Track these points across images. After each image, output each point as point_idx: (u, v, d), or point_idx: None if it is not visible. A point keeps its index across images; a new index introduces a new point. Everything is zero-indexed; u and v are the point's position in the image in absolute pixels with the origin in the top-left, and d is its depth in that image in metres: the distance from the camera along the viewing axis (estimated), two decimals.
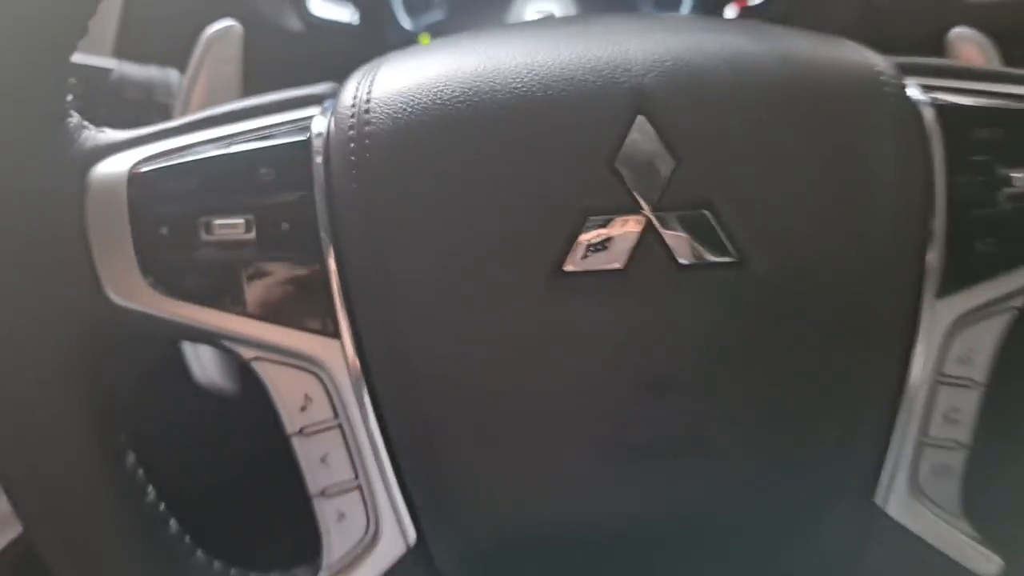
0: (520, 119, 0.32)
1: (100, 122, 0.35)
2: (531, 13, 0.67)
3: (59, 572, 0.34)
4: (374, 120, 0.32)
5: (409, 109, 0.32)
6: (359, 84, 0.33)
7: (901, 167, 0.33)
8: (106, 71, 0.46)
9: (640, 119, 0.31)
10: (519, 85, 0.32)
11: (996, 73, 0.36)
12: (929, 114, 0.33)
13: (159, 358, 0.47)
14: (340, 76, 0.36)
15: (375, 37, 0.66)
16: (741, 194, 0.31)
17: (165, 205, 0.32)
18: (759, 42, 0.34)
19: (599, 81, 0.32)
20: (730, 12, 0.67)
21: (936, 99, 0.34)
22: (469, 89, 0.32)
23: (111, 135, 0.34)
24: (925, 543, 0.34)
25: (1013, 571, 0.35)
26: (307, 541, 0.36)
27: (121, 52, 0.52)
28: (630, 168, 0.31)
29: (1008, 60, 0.55)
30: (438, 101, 0.32)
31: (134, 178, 0.32)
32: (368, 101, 0.32)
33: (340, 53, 0.42)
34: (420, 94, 0.32)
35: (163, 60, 0.49)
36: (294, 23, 0.65)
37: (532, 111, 0.31)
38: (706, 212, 0.31)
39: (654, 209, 0.31)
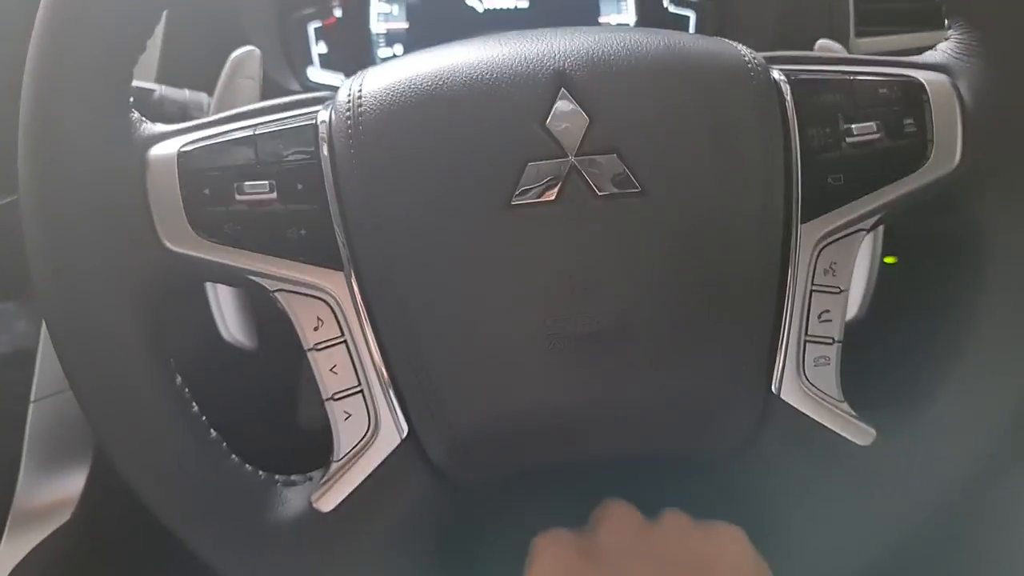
0: (474, 97, 0.37)
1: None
2: None
3: (120, 466, 0.38)
4: (365, 108, 0.37)
5: (391, 97, 0.37)
6: (352, 84, 0.39)
7: (764, 124, 0.38)
8: (150, 91, 0.52)
9: (563, 91, 0.37)
10: (472, 72, 0.37)
11: (836, 58, 0.42)
12: (785, 88, 0.39)
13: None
14: None
15: None
16: (640, 142, 0.37)
17: (207, 173, 0.37)
18: (654, 38, 0.39)
19: (531, 66, 0.37)
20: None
21: (791, 77, 0.39)
22: (435, 79, 0.37)
23: (162, 127, 0.38)
24: (812, 420, 0.39)
25: (884, 441, 0.40)
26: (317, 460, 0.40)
27: (161, 79, 0.57)
28: (556, 127, 0.36)
29: None
30: (412, 89, 0.37)
31: (182, 156, 0.37)
32: (360, 96, 0.38)
33: None
34: (399, 86, 0.38)
35: (194, 85, 0.55)
36: (294, 86, 0.71)
37: (482, 90, 0.37)
38: (614, 155, 0.36)
39: (576, 155, 0.36)
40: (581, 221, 0.37)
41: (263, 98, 0.48)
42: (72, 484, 0.57)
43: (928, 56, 0.41)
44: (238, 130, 0.38)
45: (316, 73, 0.73)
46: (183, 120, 0.39)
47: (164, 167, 0.37)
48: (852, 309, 0.48)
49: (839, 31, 0.69)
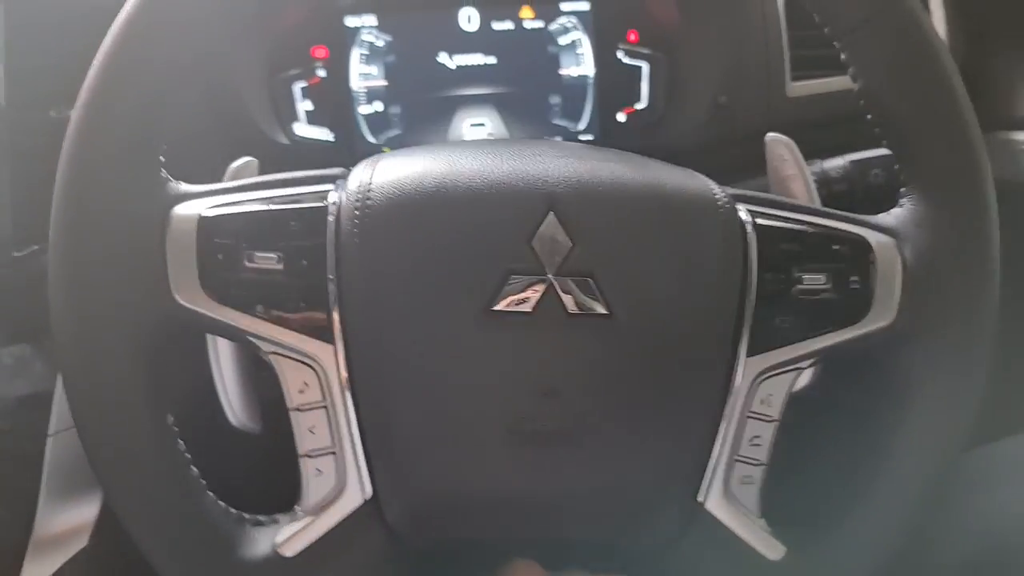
0: (472, 205, 0.39)
1: None
2: (467, 126, 0.77)
3: (108, 494, 0.39)
4: (373, 198, 0.39)
5: (398, 192, 0.40)
6: (363, 172, 0.41)
7: (727, 263, 0.41)
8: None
9: (551, 214, 0.39)
10: (472, 185, 0.40)
11: (798, 206, 0.44)
12: (750, 230, 0.41)
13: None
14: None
15: (346, 150, 0.77)
16: (614, 270, 0.39)
17: (222, 239, 0.39)
18: (636, 170, 0.42)
19: (526, 187, 0.40)
20: (621, 116, 0.78)
21: (755, 220, 0.41)
22: (439, 182, 0.40)
23: (187, 187, 0.40)
24: (731, 532, 0.41)
25: (793, 556, 0.42)
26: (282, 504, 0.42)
27: None
28: (541, 246, 0.39)
29: (819, 141, 0.70)
30: (418, 188, 0.40)
31: (202, 220, 0.39)
32: (370, 186, 0.40)
33: (319, 161, 0.47)
34: (406, 183, 0.40)
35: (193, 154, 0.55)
36: (283, 140, 0.76)
37: (480, 201, 0.39)
38: (589, 279, 0.39)
39: (555, 275, 0.39)
40: (552, 334, 0.39)
41: (261, 162, 0.52)
42: (88, 512, 0.61)
43: (880, 219, 0.43)
44: (255, 200, 0.40)
45: (302, 128, 0.77)
46: None
47: (185, 227, 0.39)
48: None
49: (777, 76, 0.76)
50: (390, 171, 0.41)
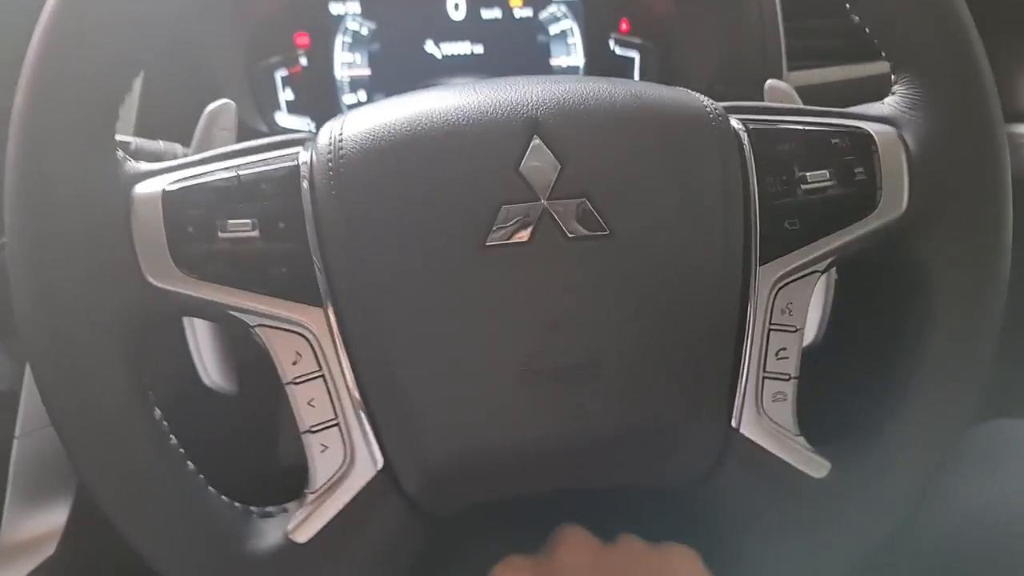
0: (451, 141, 0.38)
1: None
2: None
3: (98, 497, 0.37)
4: (346, 150, 0.38)
5: (371, 140, 0.38)
6: (332, 127, 0.39)
7: (725, 172, 0.39)
8: (126, 143, 0.52)
9: (535, 137, 0.38)
10: (449, 118, 0.38)
11: (790, 108, 0.43)
12: (744, 137, 0.40)
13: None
14: None
15: None
16: (607, 187, 0.38)
17: (190, 212, 0.37)
18: (622, 88, 0.40)
19: (506, 113, 0.38)
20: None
21: (749, 126, 0.40)
22: (413, 123, 0.38)
23: (147, 165, 0.38)
24: (771, 454, 0.40)
25: (837, 473, 0.41)
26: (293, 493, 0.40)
27: (139, 132, 0.58)
28: (530, 172, 0.37)
29: None
30: (391, 133, 0.38)
31: (167, 195, 0.37)
32: (341, 138, 0.38)
33: None
34: (379, 130, 0.38)
35: (172, 138, 0.55)
36: (263, 129, 0.73)
37: (459, 135, 0.38)
38: (584, 199, 0.37)
39: (548, 199, 0.37)
40: (553, 261, 0.38)
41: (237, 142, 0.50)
42: (56, 518, 0.58)
43: (876, 108, 0.42)
44: (221, 170, 0.38)
45: (284, 118, 0.75)
46: None
47: (149, 205, 0.37)
48: (807, 341, 0.51)
49: (773, 67, 0.74)
50: (360, 122, 0.39)
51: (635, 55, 0.78)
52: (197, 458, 0.40)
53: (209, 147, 0.53)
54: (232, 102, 0.50)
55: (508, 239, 0.37)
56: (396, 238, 0.37)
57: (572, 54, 0.78)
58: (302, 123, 0.76)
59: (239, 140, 0.49)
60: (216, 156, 0.39)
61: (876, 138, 0.41)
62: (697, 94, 0.42)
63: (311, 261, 0.37)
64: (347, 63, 0.76)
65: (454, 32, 0.75)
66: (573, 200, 0.38)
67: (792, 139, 0.40)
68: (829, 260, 0.41)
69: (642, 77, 0.77)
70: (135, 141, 0.54)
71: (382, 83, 0.76)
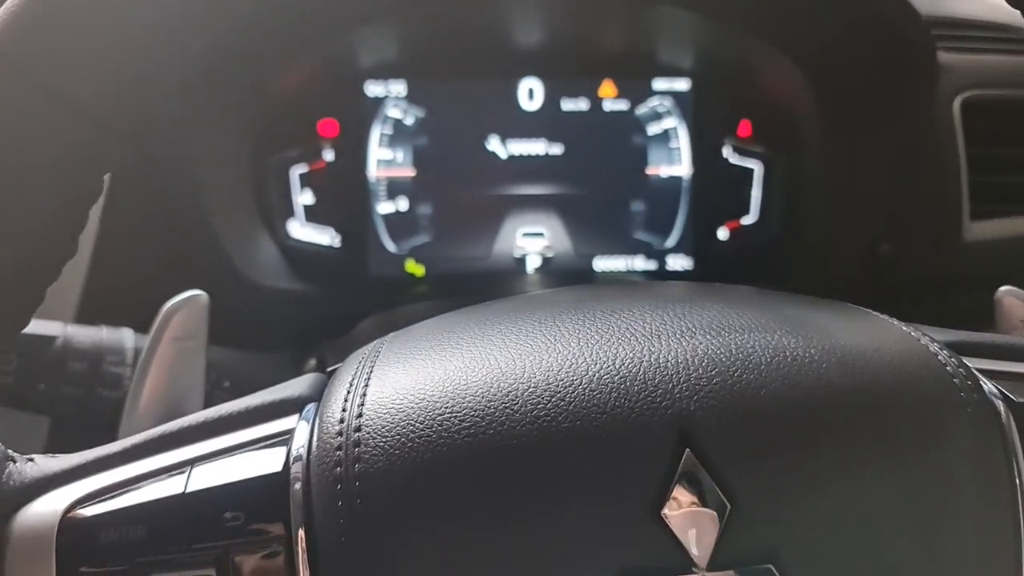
0: (544, 456, 0.26)
1: (39, 410, 0.30)
2: (519, 236, 0.65)
3: None
4: (365, 451, 0.26)
5: (408, 441, 0.26)
6: (349, 393, 0.28)
7: (986, 481, 0.28)
8: (51, 339, 0.41)
9: (688, 453, 0.26)
10: (540, 412, 0.26)
11: None
12: (1002, 408, 0.29)
13: None
14: (321, 319, 0.31)
15: (355, 261, 0.63)
16: (811, 542, 0.26)
17: (104, 558, 0.26)
18: (807, 341, 0.29)
19: (637, 405, 0.27)
20: (723, 233, 0.66)
21: (1005, 392, 0.30)
22: (483, 415, 0.26)
23: (43, 465, 0.28)
24: None
25: None
26: None
27: (83, 316, 0.47)
28: (676, 517, 0.26)
29: None
30: (444, 432, 0.26)
31: (67, 524, 0.27)
32: (359, 423, 0.27)
33: (316, 277, 0.39)
34: (422, 418, 0.27)
35: (130, 300, 0.45)
36: (267, 245, 0.62)
37: (557, 446, 0.26)
38: (771, 567, 0.25)
39: (708, 568, 0.25)
40: None
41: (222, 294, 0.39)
42: None
43: None
44: (160, 473, 0.27)
45: (299, 229, 0.64)
46: (93, 382, 0.33)
47: (35, 542, 0.26)
48: None
49: (952, 211, 0.59)
50: (394, 386, 0.28)
51: (755, 166, 0.67)
52: None
53: (165, 366, 0.43)
54: (203, 293, 0.39)
55: None
56: None
57: (675, 161, 0.66)
58: (323, 236, 0.65)
59: (224, 279, 0.41)
60: (153, 442, 0.28)
61: None
62: (915, 330, 0.31)
63: None
64: (385, 160, 0.65)
65: (526, 126, 0.66)
66: (754, 568, 0.25)
67: None
68: None
69: (764, 198, 0.66)
70: (63, 334, 0.42)
71: (429, 188, 0.65)
